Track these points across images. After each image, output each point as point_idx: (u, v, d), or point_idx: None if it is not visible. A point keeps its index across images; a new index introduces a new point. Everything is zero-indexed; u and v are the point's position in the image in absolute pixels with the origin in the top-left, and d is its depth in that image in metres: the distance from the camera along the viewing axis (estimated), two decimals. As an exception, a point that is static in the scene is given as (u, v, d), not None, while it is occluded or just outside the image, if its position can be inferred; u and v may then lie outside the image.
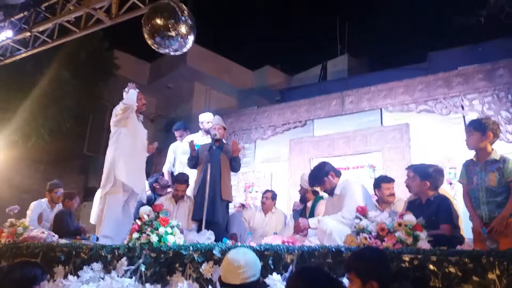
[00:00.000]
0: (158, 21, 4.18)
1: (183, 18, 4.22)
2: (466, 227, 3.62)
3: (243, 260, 2.08)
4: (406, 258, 2.16)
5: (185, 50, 4.50)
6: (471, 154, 3.47)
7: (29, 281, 2.64)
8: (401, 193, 4.85)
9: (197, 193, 4.69)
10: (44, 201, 5.41)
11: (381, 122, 7.00)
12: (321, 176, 3.84)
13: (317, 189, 4.55)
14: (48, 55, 8.13)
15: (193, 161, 4.96)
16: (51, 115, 9.32)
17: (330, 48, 13.03)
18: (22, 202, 5.36)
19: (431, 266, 2.06)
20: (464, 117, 6.20)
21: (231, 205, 5.38)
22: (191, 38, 4.38)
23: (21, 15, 5.88)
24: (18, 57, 6.40)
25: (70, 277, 3.35)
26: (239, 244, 2.93)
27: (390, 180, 4.32)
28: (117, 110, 4.46)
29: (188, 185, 4.83)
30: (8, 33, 6.04)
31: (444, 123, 6.35)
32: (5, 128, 8.67)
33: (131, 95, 4.54)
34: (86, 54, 9.84)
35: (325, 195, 4.32)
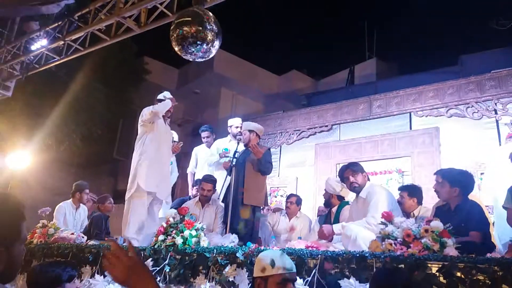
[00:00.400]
0: (185, 29, 4.25)
1: (209, 25, 4.28)
2: (497, 234, 3.50)
3: (263, 254, 2.10)
4: (433, 265, 2.11)
5: (211, 56, 4.56)
6: (503, 161, 3.37)
7: (60, 279, 2.72)
8: (430, 199, 4.73)
9: (224, 197, 4.73)
10: (69, 202, 5.56)
11: (410, 127, 6.87)
12: (357, 170, 3.80)
13: (343, 192, 4.50)
14: (80, 63, 8.41)
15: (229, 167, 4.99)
16: (82, 121, 9.64)
17: (357, 53, 12.94)
18: (54, 204, 5.54)
19: (458, 273, 2.00)
20: (497, 121, 6.01)
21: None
22: (217, 45, 4.43)
23: (55, 24, 6.11)
24: (52, 65, 6.65)
25: (97, 276, 3.44)
26: (262, 248, 2.93)
27: (356, 170, 3.93)
28: (145, 112, 4.58)
29: (214, 186, 4.85)
30: (43, 42, 6.29)
31: (476, 127, 6.16)
32: (39, 133, 9.02)
33: (166, 104, 4.67)
34: (117, 61, 10.14)
35: (351, 199, 4.25)
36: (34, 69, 6.80)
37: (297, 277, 2.42)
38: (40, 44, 6.36)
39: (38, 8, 5.68)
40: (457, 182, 3.44)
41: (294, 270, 2.04)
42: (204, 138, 6.21)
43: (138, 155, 4.50)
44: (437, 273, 2.08)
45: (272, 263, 1.99)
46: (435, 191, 3.75)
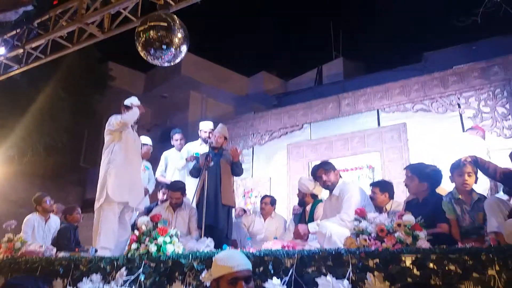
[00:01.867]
0: (150, 33, 4.18)
1: (175, 29, 4.23)
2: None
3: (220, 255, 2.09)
4: (406, 258, 2.15)
5: (178, 60, 4.51)
6: (468, 152, 3.49)
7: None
8: (401, 193, 4.84)
9: (199, 201, 4.69)
10: (35, 214, 5.38)
11: (378, 123, 7.00)
12: (329, 168, 3.86)
13: (316, 190, 4.55)
14: (43, 71, 8.15)
15: (196, 170, 4.97)
16: (46, 131, 9.35)
17: (324, 52, 13.10)
18: (19, 217, 5.33)
19: (431, 265, 2.05)
20: (461, 115, 6.22)
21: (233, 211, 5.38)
22: (184, 49, 4.39)
23: (14, 32, 5.88)
24: (11, 74, 6.39)
25: (69, 290, 3.32)
26: (238, 250, 2.90)
27: (328, 169, 4.00)
28: (113, 122, 4.44)
29: (183, 192, 4.78)
30: (1, 50, 6.04)
31: (441, 121, 6.35)
32: (1, 145, 8.67)
33: (134, 113, 4.54)
34: (80, 68, 9.89)
35: (325, 196, 4.30)
36: (-7, 79, 6.53)
37: (275, 277, 2.42)
38: (-2, 53, 6.11)
39: (-5, 15, 5.45)
40: (426, 176, 3.54)
41: (246, 267, 1.99)
42: (177, 140, 6.14)
43: (106, 163, 4.37)
44: (411, 266, 2.11)
45: (221, 263, 1.98)
46: (405, 185, 3.84)
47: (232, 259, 1.99)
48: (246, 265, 2.00)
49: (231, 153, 4.90)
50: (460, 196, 3.32)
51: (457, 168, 3.37)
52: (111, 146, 4.41)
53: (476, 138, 5.25)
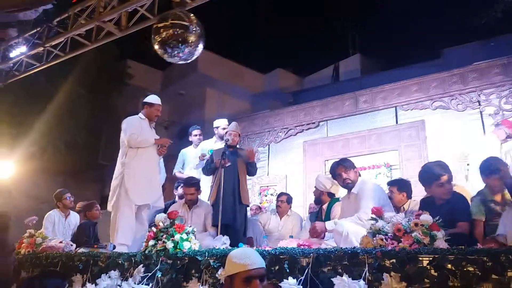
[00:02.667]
0: (167, 31, 4.21)
1: (191, 27, 4.25)
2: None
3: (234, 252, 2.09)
4: (424, 258, 2.12)
5: (194, 58, 4.53)
6: (488, 149, 3.42)
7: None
8: (419, 192, 4.77)
9: (215, 199, 4.71)
10: (56, 210, 5.49)
11: (396, 121, 6.92)
12: (349, 166, 3.79)
13: (333, 189, 4.52)
14: (62, 69, 8.27)
15: (209, 167, 4.99)
16: (66, 127, 9.50)
17: (341, 49, 12.98)
18: (40, 212, 5.45)
19: (449, 266, 2.01)
20: (481, 112, 6.09)
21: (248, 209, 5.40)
22: (200, 46, 4.40)
23: (34, 30, 6.00)
24: (32, 72, 6.53)
25: (88, 285, 3.39)
26: (253, 248, 2.91)
27: (348, 166, 3.90)
28: (130, 138, 4.39)
29: (197, 188, 4.80)
30: (22, 49, 6.18)
31: (461, 119, 6.24)
32: (22, 141, 8.86)
33: (145, 142, 4.49)
34: (99, 65, 10.01)
35: (342, 194, 4.26)
36: (14, 77, 6.68)
37: (290, 277, 2.42)
38: (19, 51, 6.25)
39: (15, 15, 5.57)
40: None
41: (261, 266, 1.98)
42: (195, 136, 6.16)
43: (121, 165, 4.39)
44: (428, 266, 2.08)
45: (236, 261, 1.97)
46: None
47: (247, 257, 1.98)
48: (261, 263, 2.00)
49: (247, 153, 4.90)
50: (494, 198, 3.25)
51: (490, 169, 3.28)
52: (124, 149, 4.44)
53: (494, 140, 5.10)
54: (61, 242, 4.44)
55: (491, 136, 5.21)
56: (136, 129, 4.47)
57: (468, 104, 6.23)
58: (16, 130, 8.91)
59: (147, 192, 4.44)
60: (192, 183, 4.75)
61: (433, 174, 3.36)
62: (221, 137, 5.81)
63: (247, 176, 5.09)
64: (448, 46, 8.71)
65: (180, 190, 5.56)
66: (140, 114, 4.69)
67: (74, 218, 5.61)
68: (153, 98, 4.75)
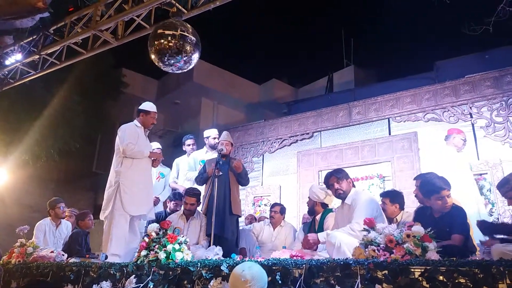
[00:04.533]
0: (163, 41, 4.24)
1: (187, 36, 4.28)
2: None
3: (249, 274, 2.08)
4: (415, 269, 2.13)
5: (190, 67, 4.55)
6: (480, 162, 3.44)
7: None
8: (411, 203, 4.81)
9: (207, 209, 4.70)
10: (47, 219, 5.45)
11: (389, 132, 6.97)
12: (342, 177, 3.82)
13: (327, 200, 4.52)
14: (57, 77, 8.28)
15: (202, 177, 4.99)
16: (60, 135, 9.47)
17: (335, 60, 13.11)
18: (33, 221, 5.41)
19: (440, 277, 2.02)
20: (473, 124, 6.16)
21: (240, 219, 5.38)
22: (195, 56, 4.43)
23: (30, 38, 6.01)
24: (27, 80, 6.52)
25: (79, 296, 3.35)
26: (246, 259, 2.91)
27: (341, 177, 3.94)
28: (126, 147, 4.36)
29: (198, 200, 4.81)
30: (18, 56, 6.18)
31: (453, 131, 6.29)
32: (15, 149, 8.82)
33: (140, 154, 4.47)
34: (94, 74, 10.02)
35: (336, 205, 4.27)
36: (9, 84, 6.67)
37: (283, 288, 2.42)
38: (14, 59, 6.24)
39: (12, 22, 5.57)
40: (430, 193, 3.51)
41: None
42: (189, 145, 6.17)
43: (115, 176, 4.36)
44: (420, 278, 2.09)
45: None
46: (415, 196, 3.81)
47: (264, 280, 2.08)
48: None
49: (234, 164, 4.89)
50: None
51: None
52: (119, 158, 4.41)
53: (453, 152, 5.18)
54: (52, 252, 4.39)
55: (448, 149, 5.27)
56: (133, 139, 4.44)
57: (460, 116, 6.30)
58: (10, 137, 8.86)
59: (142, 204, 4.43)
60: (194, 193, 4.77)
61: (434, 186, 3.38)
62: (212, 147, 5.83)
63: (239, 186, 5.09)
64: (442, 58, 8.82)
65: (172, 205, 5.50)
66: (136, 122, 4.66)
67: (66, 227, 5.57)
68: (149, 106, 4.73)
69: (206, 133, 6.06)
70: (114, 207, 4.20)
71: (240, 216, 5.06)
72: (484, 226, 3.26)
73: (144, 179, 4.49)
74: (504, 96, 6.02)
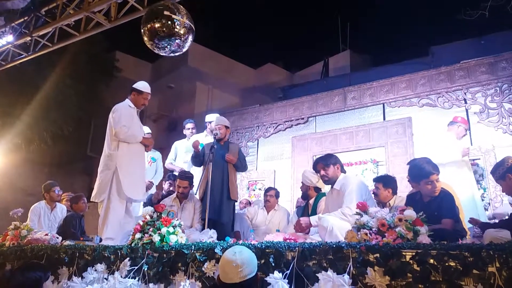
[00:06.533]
0: (156, 23, 4.18)
1: (181, 19, 4.22)
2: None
3: (239, 258, 2.09)
4: (407, 253, 2.16)
5: (183, 51, 4.49)
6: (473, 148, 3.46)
7: (31, 285, 2.66)
8: (404, 188, 4.85)
9: (203, 193, 4.71)
10: (42, 202, 5.44)
11: (384, 117, 6.99)
12: (329, 163, 3.85)
13: (319, 184, 4.55)
14: (50, 59, 8.17)
15: (198, 159, 4.97)
16: (53, 119, 9.40)
17: (331, 45, 13.03)
18: (27, 204, 5.39)
19: (431, 260, 2.05)
20: (467, 110, 6.18)
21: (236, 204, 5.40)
22: (189, 39, 4.37)
23: (22, 20, 5.91)
24: (19, 62, 6.43)
25: (74, 278, 3.37)
26: (240, 242, 2.93)
27: (327, 164, 3.95)
28: (114, 128, 4.24)
29: (191, 183, 4.80)
30: (9, 38, 6.08)
31: (447, 116, 6.30)
32: (8, 132, 8.75)
33: (134, 137, 4.34)
34: (87, 57, 9.90)
35: (328, 190, 4.31)
36: (1, 67, 6.58)
37: (276, 271, 2.44)
38: (5, 40, 6.15)
39: (3, 3, 5.47)
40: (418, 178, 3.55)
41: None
42: (188, 129, 6.19)
43: (112, 156, 4.22)
44: (411, 261, 2.12)
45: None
46: (408, 181, 3.84)
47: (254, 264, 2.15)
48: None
49: (227, 159, 4.84)
50: None
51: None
52: (115, 142, 4.27)
53: (453, 139, 5.21)
54: (46, 234, 4.40)
55: (448, 134, 5.30)
56: (127, 121, 4.28)
57: (454, 102, 6.31)
58: (2, 120, 8.78)
59: (141, 187, 4.43)
60: (187, 177, 4.76)
61: (423, 171, 3.40)
62: (212, 132, 5.82)
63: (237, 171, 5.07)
64: (437, 43, 8.79)
65: (166, 185, 5.55)
66: (129, 102, 4.44)
67: (61, 211, 5.57)
68: (143, 86, 4.50)
69: (208, 117, 6.05)
70: (111, 192, 4.15)
71: (236, 201, 5.07)
72: (486, 227, 3.28)
73: (139, 163, 4.46)
74: (499, 82, 6.03)
